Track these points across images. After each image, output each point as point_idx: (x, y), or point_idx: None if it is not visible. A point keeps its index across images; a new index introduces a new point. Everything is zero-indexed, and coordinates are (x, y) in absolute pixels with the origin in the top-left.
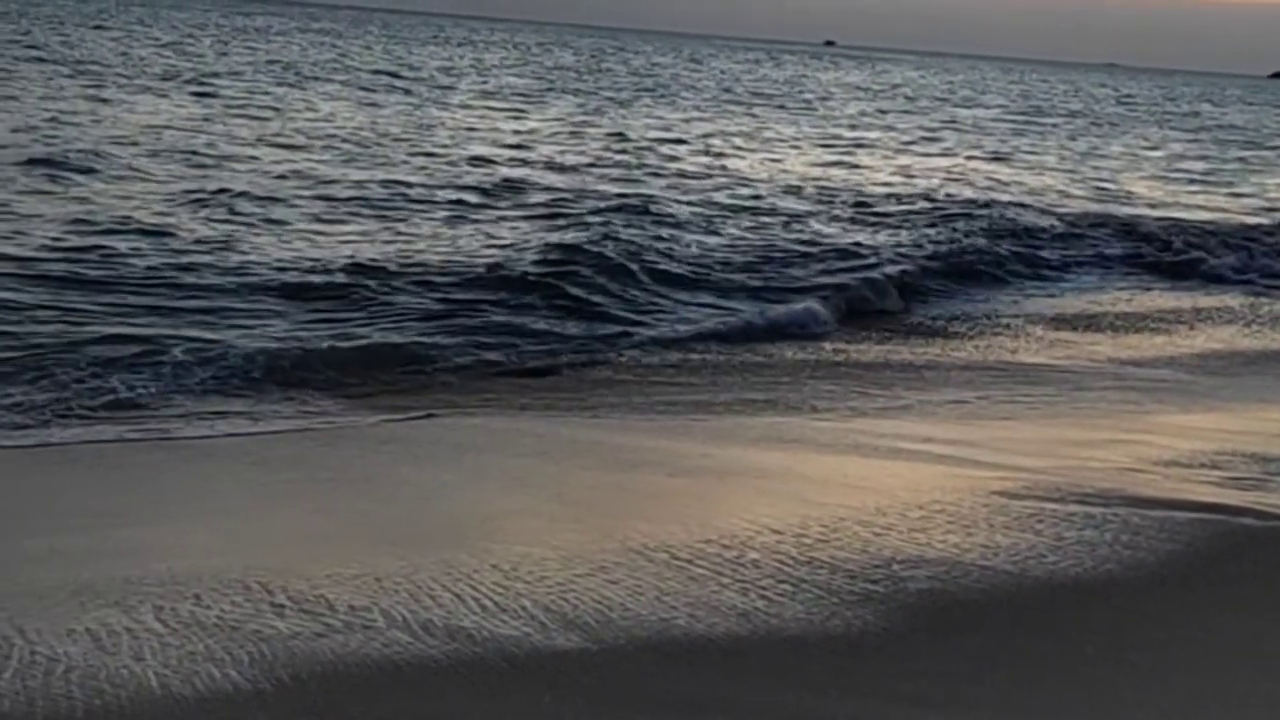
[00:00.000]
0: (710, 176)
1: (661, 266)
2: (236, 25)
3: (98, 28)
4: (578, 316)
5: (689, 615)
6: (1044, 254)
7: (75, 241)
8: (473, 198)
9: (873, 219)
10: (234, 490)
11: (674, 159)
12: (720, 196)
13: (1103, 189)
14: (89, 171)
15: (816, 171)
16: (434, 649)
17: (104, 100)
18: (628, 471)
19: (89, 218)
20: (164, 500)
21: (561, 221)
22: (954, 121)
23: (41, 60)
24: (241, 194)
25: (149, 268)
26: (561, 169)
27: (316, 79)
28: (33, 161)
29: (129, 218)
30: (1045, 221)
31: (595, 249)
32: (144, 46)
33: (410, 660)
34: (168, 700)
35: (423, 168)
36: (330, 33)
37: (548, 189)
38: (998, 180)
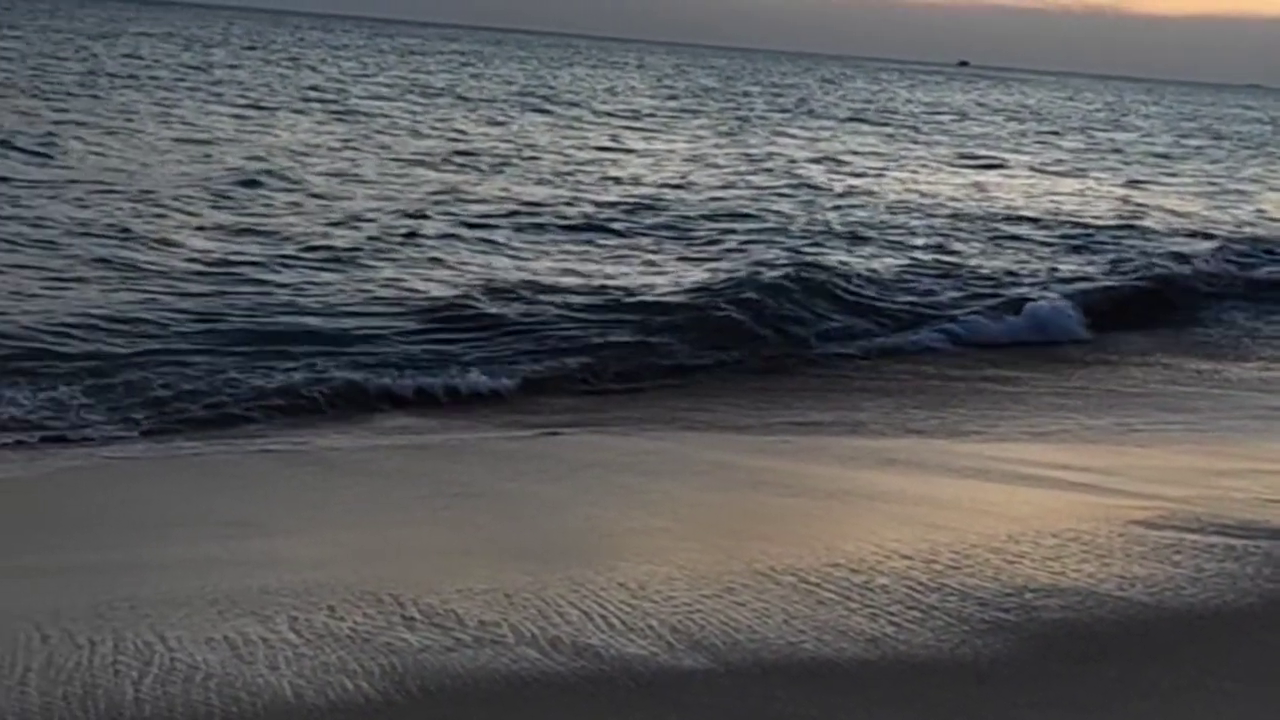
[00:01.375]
0: (852, 195)
1: (834, 287)
2: (380, 47)
3: (250, 48)
4: (762, 330)
5: (816, 639)
6: (1192, 284)
7: (226, 253)
8: (621, 223)
9: (1021, 243)
10: (367, 503)
11: (822, 177)
12: (859, 215)
13: (1250, 213)
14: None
15: (959, 193)
16: (562, 666)
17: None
18: (754, 492)
19: (254, 230)
20: (300, 512)
21: (729, 243)
22: (1096, 144)
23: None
24: (416, 215)
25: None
26: (720, 189)
27: (484, 101)
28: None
29: (298, 234)
30: (1191, 248)
31: (774, 273)
32: (309, 73)
33: (538, 677)
34: (301, 710)
35: (595, 188)
36: (470, 54)
37: (713, 214)
38: (1144, 205)
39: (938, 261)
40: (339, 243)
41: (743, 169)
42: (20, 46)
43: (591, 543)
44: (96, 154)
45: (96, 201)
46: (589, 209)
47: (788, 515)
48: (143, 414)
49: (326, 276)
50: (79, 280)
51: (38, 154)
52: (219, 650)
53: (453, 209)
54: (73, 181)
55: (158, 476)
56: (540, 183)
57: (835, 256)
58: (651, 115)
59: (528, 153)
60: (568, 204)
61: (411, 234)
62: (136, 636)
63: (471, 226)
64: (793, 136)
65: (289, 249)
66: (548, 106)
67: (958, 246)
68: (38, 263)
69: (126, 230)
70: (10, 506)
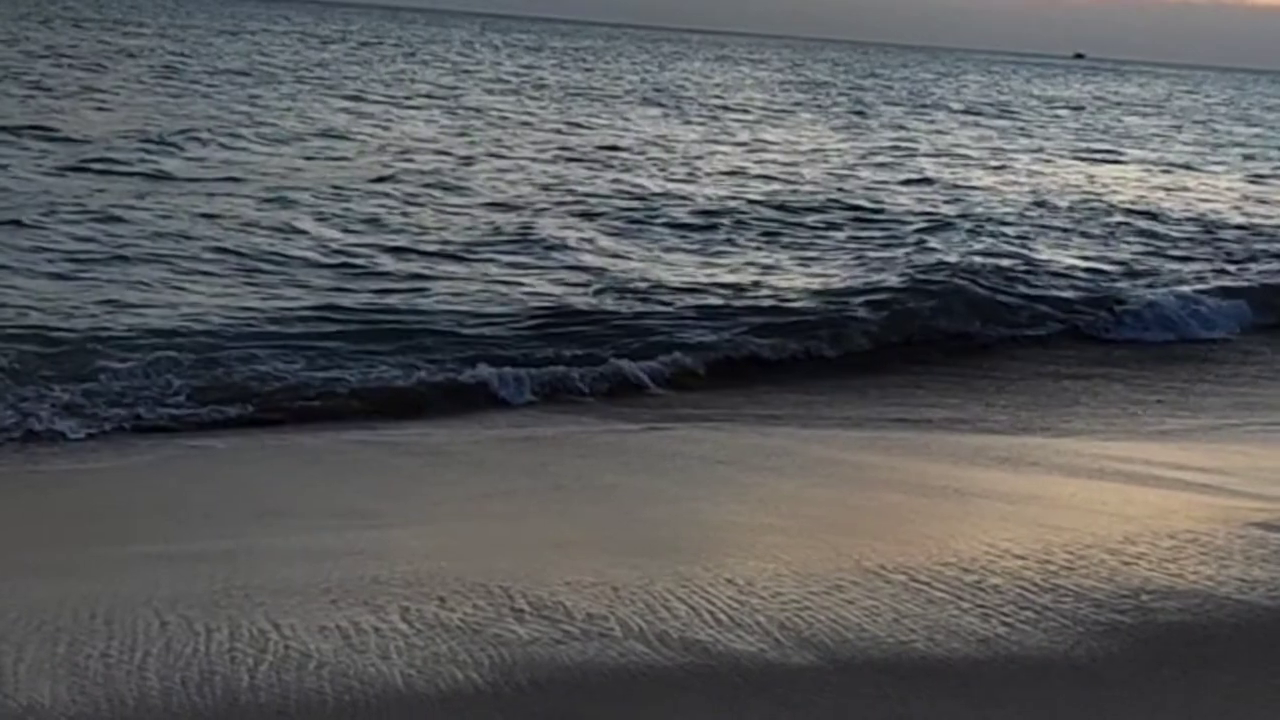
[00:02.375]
0: (971, 188)
1: (953, 283)
2: (493, 43)
3: (366, 44)
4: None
5: (927, 639)
6: None
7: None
8: (746, 216)
9: (1142, 239)
10: (477, 495)
11: (941, 171)
12: (979, 209)
13: None
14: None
15: (1077, 188)
16: (669, 661)
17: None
18: (862, 489)
19: (377, 223)
20: (411, 503)
21: (851, 239)
22: (1218, 138)
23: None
24: (534, 210)
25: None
26: (842, 183)
27: (610, 96)
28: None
29: (418, 228)
30: None
31: (896, 270)
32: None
33: (646, 670)
34: (412, 699)
35: (719, 182)
36: (585, 49)
37: (834, 208)
38: (1268, 201)
39: (1057, 257)
40: (458, 237)
41: (862, 162)
42: (149, 43)
43: (698, 537)
44: (229, 149)
45: (224, 195)
46: (709, 204)
47: (897, 512)
48: (256, 404)
49: (445, 270)
50: (203, 273)
51: (173, 148)
52: (332, 639)
53: (578, 204)
54: (201, 179)
55: (272, 466)
56: (667, 178)
57: (955, 251)
58: (776, 110)
59: (652, 151)
60: (685, 199)
61: (529, 229)
62: (252, 624)
63: (590, 218)
64: (909, 130)
65: (409, 242)
66: (665, 100)
67: (1078, 241)
68: (165, 254)
69: (252, 224)
70: (130, 494)
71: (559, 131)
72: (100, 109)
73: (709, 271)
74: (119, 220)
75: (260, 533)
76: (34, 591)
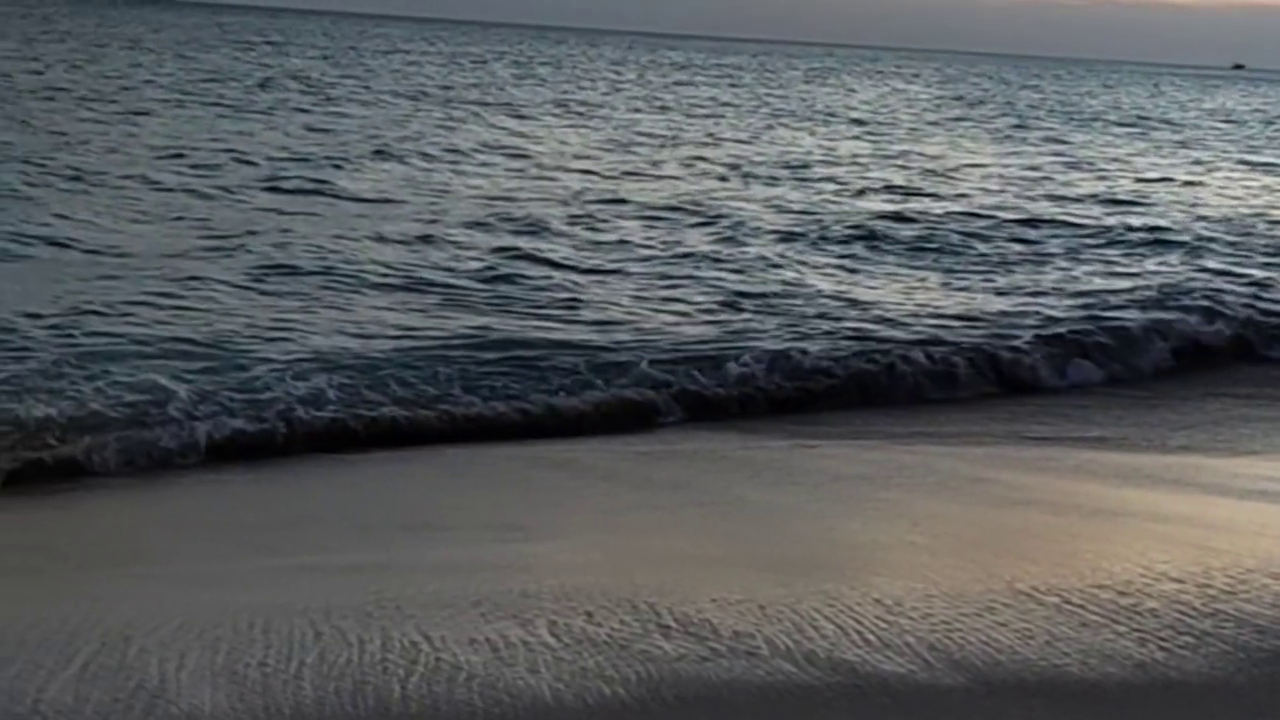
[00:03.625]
0: (1142, 202)
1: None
2: (640, 60)
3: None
4: None
5: (1081, 663)
6: None
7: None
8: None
9: None
10: (624, 510)
11: (1107, 184)
12: (1150, 221)
13: None
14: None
15: (1247, 202)
16: (817, 680)
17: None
18: (1013, 509)
19: (535, 233)
20: (560, 517)
21: (1019, 256)
22: None
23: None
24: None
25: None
26: (1019, 198)
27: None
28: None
29: (576, 243)
30: None
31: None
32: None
33: (793, 690)
34: (560, 713)
35: (891, 199)
36: (736, 66)
37: (1005, 223)
38: None
39: (1230, 272)
40: (614, 254)
41: (1032, 176)
42: (310, 64)
43: (843, 555)
44: (406, 165)
45: (394, 213)
46: (873, 221)
47: (1049, 533)
48: (406, 420)
49: (601, 285)
50: (372, 286)
51: (347, 166)
52: (481, 651)
53: (763, 219)
54: (372, 199)
55: (422, 480)
56: (856, 195)
57: (1132, 267)
58: (947, 124)
59: (846, 163)
60: (836, 218)
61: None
62: (403, 635)
63: (790, 238)
64: (1069, 143)
65: (569, 253)
66: (830, 119)
67: (1255, 257)
68: (334, 271)
69: (417, 241)
70: (284, 506)
71: (742, 144)
72: (269, 128)
73: (880, 288)
74: (291, 232)
75: (410, 545)
76: (195, 600)
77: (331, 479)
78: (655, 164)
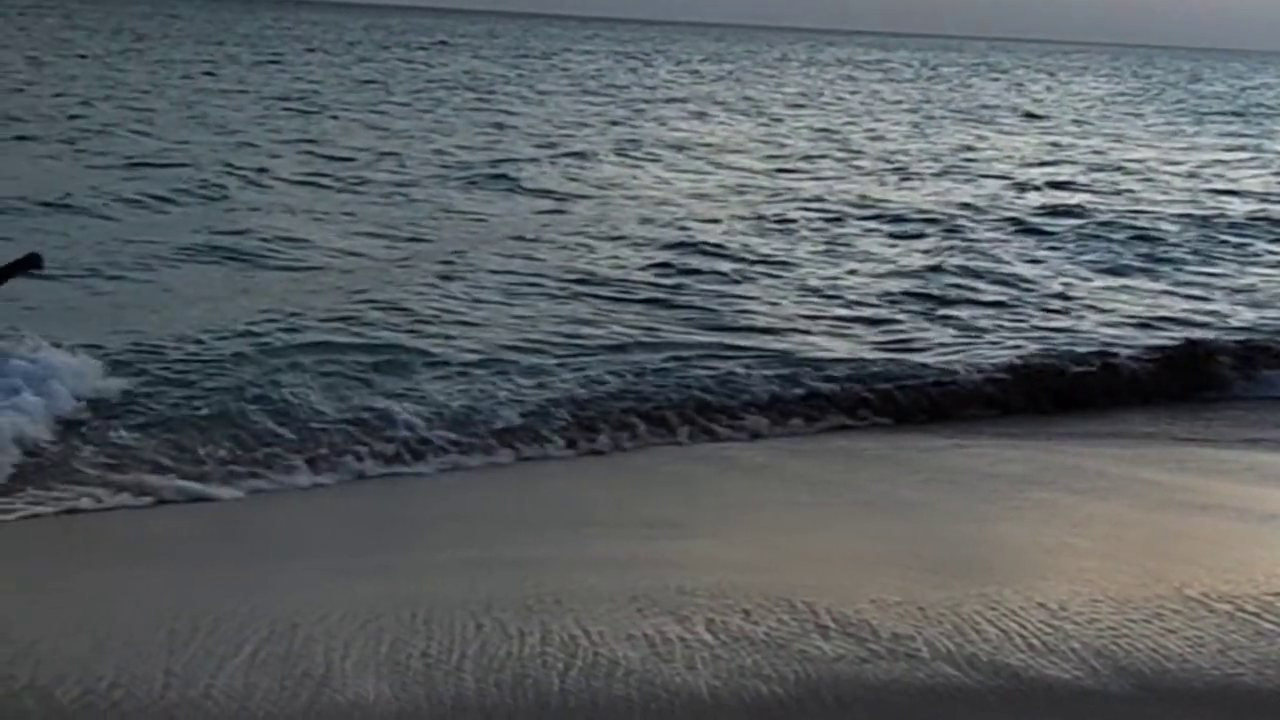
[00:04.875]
0: None
1: None
2: (801, 57)
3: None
4: None
5: (1256, 672)
6: None
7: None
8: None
9: None
10: (781, 508)
11: None
12: None
13: None
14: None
15: None
16: (979, 684)
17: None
18: (1181, 512)
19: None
20: (716, 514)
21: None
22: None
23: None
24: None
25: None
26: (1248, 198)
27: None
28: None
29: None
30: None
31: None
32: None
33: (954, 693)
34: (717, 710)
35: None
36: (904, 62)
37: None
38: None
39: None
40: (789, 247)
41: (1217, 172)
42: (493, 68)
43: (1006, 558)
44: (599, 160)
45: (578, 210)
46: (1047, 217)
47: (1219, 538)
48: (568, 414)
49: (767, 283)
50: (546, 294)
51: (535, 165)
52: (639, 647)
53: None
54: (563, 194)
55: (581, 476)
56: (1028, 189)
57: None
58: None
59: (1017, 159)
60: (1008, 214)
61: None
62: (562, 629)
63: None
64: (1248, 135)
65: (737, 254)
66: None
67: None
68: (516, 269)
69: (596, 237)
70: (450, 502)
71: (922, 141)
72: (436, 130)
73: (1089, 286)
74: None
75: (570, 541)
76: (359, 591)
77: (492, 474)
78: (845, 160)
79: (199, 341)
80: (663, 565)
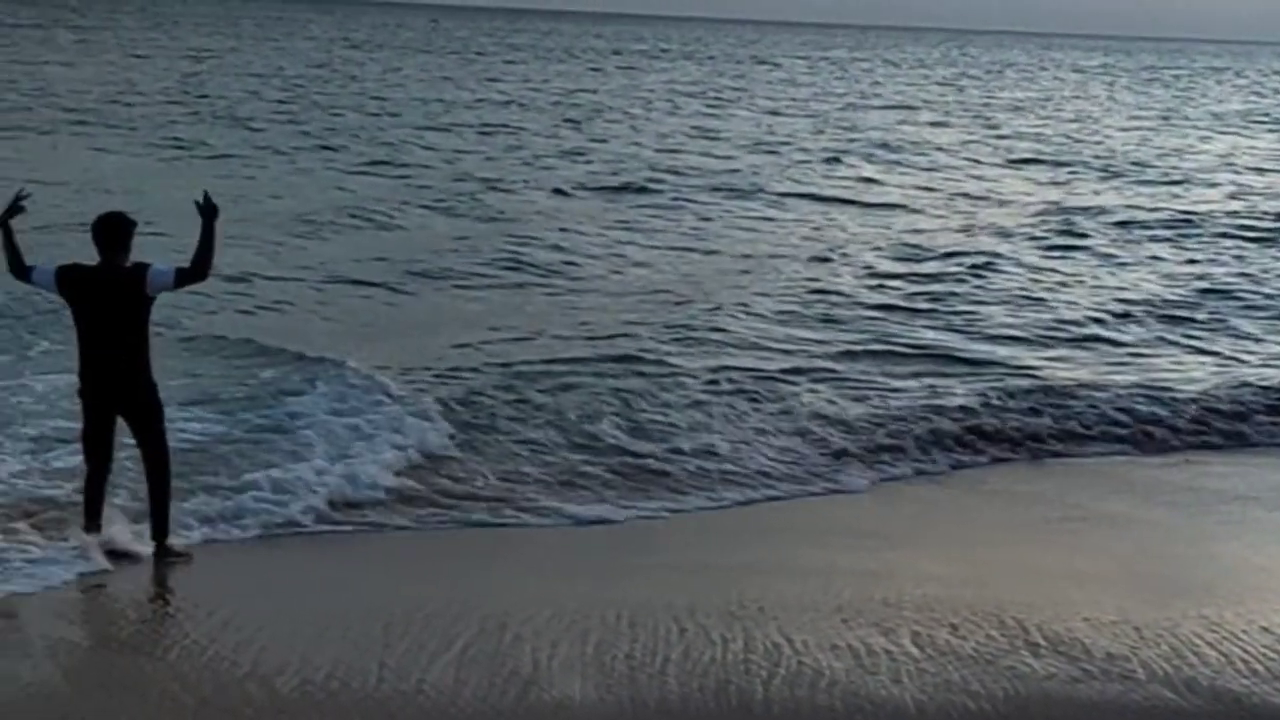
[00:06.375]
0: None
1: None
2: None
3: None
4: None
5: None
6: None
7: None
8: None
9: None
10: (987, 521)
11: None
12: None
13: None
14: None
15: None
16: (1197, 709)
17: None
18: None
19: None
20: (921, 527)
21: None
22: None
23: None
24: None
25: None
26: None
27: None
28: None
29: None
30: None
31: None
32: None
33: (1171, 717)
34: None
35: None
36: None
37: None
38: None
39: None
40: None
41: None
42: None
43: (1226, 580)
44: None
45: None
46: None
47: None
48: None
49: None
50: (796, 306)
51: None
52: (843, 658)
53: None
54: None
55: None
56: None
57: None
58: None
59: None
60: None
61: None
62: (766, 637)
63: None
64: None
65: (943, 264)
66: None
67: None
68: (761, 279)
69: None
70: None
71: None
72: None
73: None
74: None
75: (773, 549)
76: (565, 592)
77: None
78: (1109, 167)
79: (546, 361)
80: (867, 576)
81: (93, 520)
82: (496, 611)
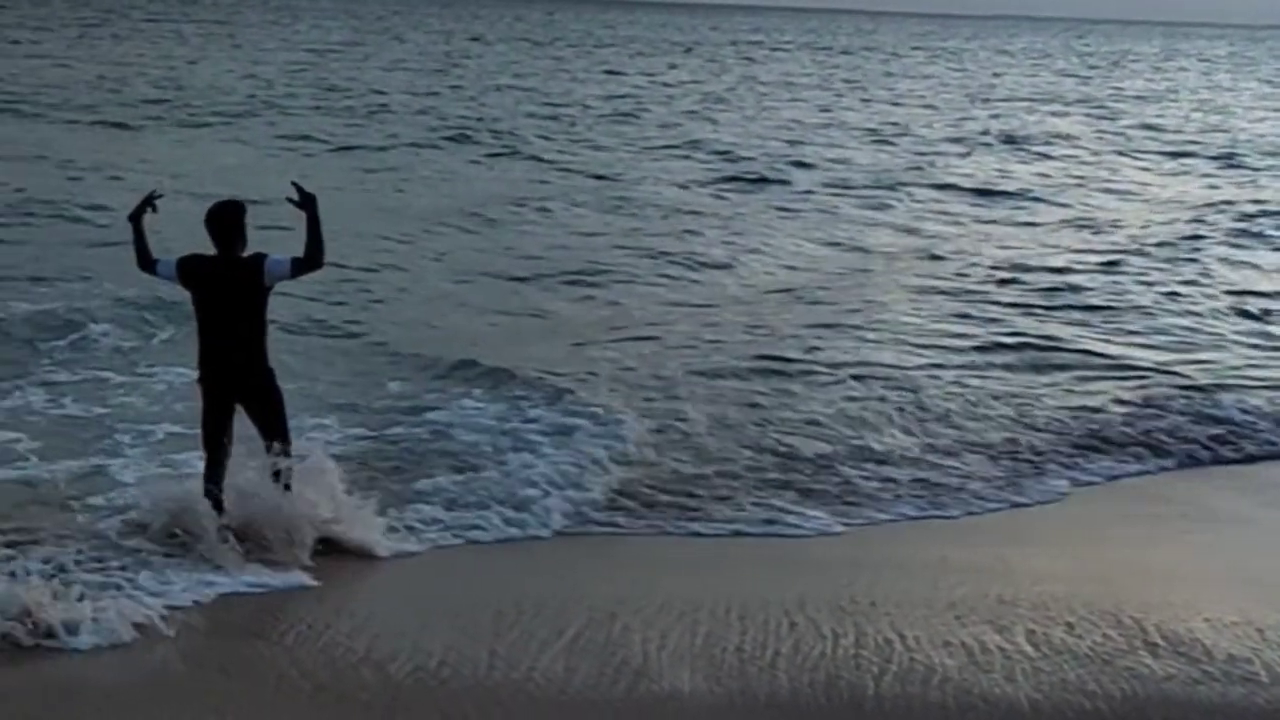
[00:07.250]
0: None
1: None
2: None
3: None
4: None
5: None
6: None
7: None
8: None
9: None
10: (1102, 519)
11: None
12: None
13: None
14: None
15: None
16: None
17: None
18: None
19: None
20: (1031, 523)
21: None
22: None
23: None
24: None
25: None
26: None
27: None
28: None
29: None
30: None
31: None
32: None
33: None
34: None
35: None
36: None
37: None
38: None
39: None
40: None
41: None
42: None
43: None
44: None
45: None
46: None
47: None
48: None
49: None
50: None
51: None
52: (956, 655)
53: None
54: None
55: None
56: None
57: None
58: None
59: None
60: None
61: None
62: (877, 633)
63: None
64: None
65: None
66: None
67: None
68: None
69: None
70: None
71: None
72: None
73: None
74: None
75: (907, 542)
76: (674, 583)
77: None
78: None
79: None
80: (979, 572)
81: (215, 509)
82: (605, 602)
